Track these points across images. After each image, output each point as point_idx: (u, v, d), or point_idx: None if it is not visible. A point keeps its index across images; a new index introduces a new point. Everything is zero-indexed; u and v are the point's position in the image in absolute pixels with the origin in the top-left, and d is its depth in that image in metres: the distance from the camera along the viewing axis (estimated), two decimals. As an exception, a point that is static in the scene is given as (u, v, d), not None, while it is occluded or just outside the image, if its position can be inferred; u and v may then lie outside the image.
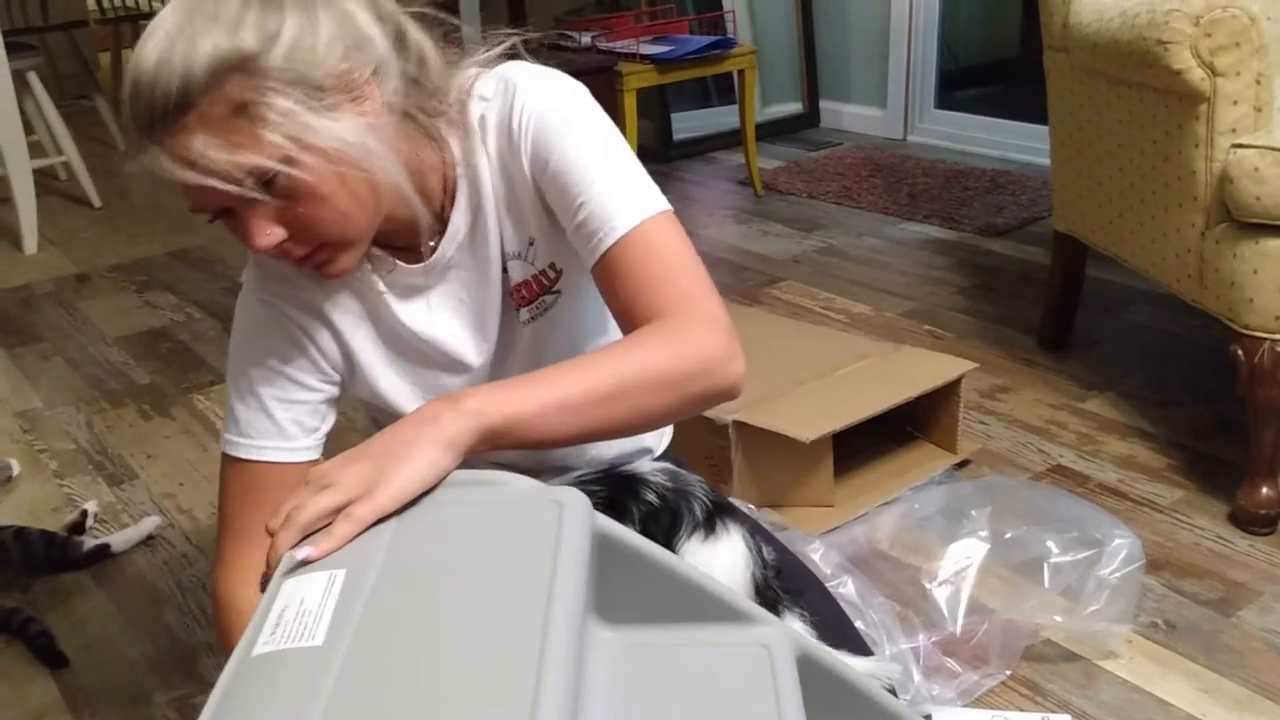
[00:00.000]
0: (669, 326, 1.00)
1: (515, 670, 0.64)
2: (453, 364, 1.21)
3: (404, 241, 1.12)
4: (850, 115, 4.28)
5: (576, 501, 0.80)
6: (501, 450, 0.91)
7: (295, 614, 0.72)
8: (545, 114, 1.08)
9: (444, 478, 0.84)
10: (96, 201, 3.85)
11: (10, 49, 3.38)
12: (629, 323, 1.04)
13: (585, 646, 0.74)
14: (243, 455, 1.13)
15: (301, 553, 0.78)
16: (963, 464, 1.95)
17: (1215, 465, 1.90)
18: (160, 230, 3.64)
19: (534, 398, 0.92)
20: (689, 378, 0.99)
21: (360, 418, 1.56)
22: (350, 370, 1.19)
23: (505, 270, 1.18)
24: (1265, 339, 1.69)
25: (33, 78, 3.71)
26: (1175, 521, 1.77)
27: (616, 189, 1.06)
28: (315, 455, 1.16)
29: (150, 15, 4.81)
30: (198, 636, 1.65)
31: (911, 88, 4.07)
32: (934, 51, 4.04)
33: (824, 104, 4.35)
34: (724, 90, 4.24)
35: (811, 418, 1.77)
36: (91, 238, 3.60)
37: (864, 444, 1.91)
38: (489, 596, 0.71)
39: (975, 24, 4.47)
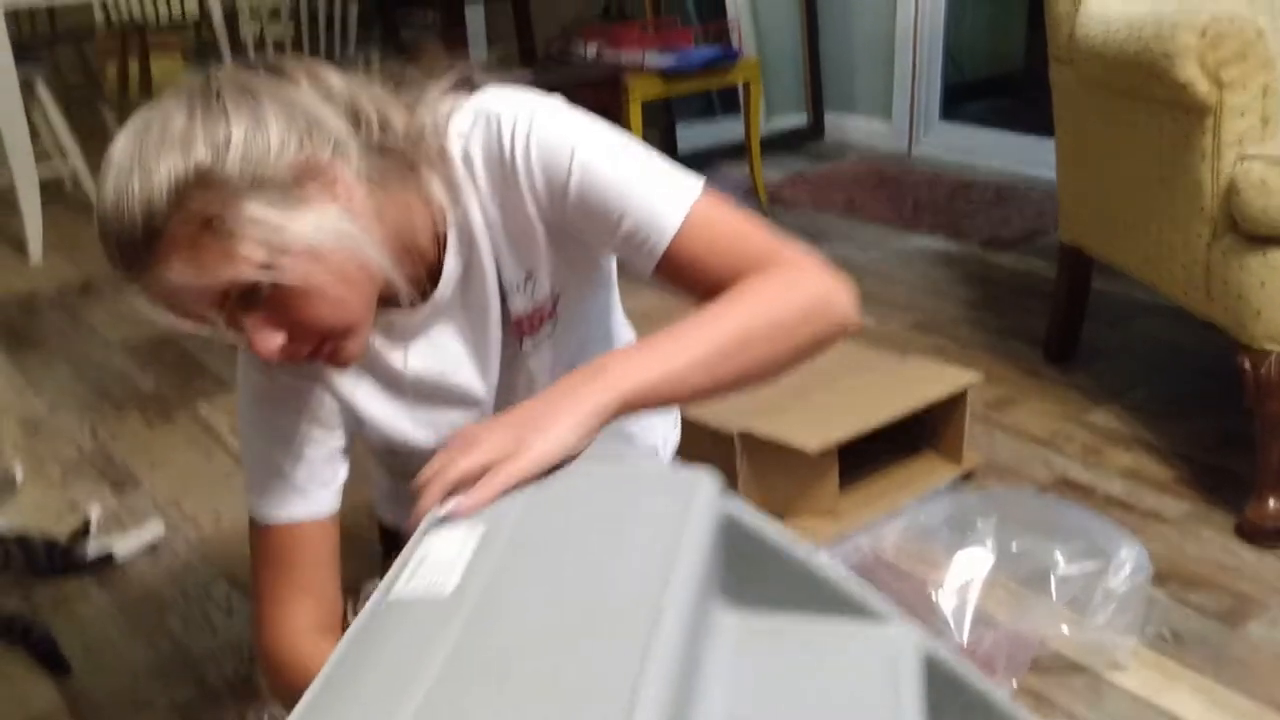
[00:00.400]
0: (769, 275, 1.02)
1: (626, 643, 0.65)
2: (462, 399, 1.20)
3: (397, 295, 1.10)
4: (855, 127, 4.29)
5: (708, 482, 0.82)
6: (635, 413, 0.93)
7: (432, 564, 0.76)
8: (544, 138, 1.05)
9: (584, 446, 0.87)
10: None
11: (18, 58, 3.38)
12: (721, 293, 1.03)
13: (706, 628, 0.78)
14: (265, 520, 1.13)
15: (447, 508, 0.81)
16: (968, 475, 1.94)
17: (1222, 478, 1.89)
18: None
19: (666, 362, 0.94)
20: (805, 317, 1.01)
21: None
22: (358, 423, 1.18)
23: (504, 303, 1.17)
24: (1272, 351, 1.69)
25: (40, 86, 3.72)
26: (1182, 534, 1.76)
27: (650, 187, 1.05)
28: (335, 507, 1.16)
29: (158, 27, 4.83)
30: (202, 643, 1.64)
31: (916, 100, 4.07)
32: (939, 64, 4.05)
33: (828, 115, 4.36)
34: (728, 102, 4.25)
35: (817, 428, 1.76)
36: (97, 246, 3.60)
37: (869, 455, 1.91)
38: (612, 568, 0.74)
39: (980, 37, 4.48)
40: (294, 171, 0.93)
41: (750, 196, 3.66)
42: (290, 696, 1.08)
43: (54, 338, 2.89)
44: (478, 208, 1.10)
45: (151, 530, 1.90)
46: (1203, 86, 1.69)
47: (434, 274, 1.11)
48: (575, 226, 1.10)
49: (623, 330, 1.40)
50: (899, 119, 4.14)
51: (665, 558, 0.74)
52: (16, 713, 1.53)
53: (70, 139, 3.80)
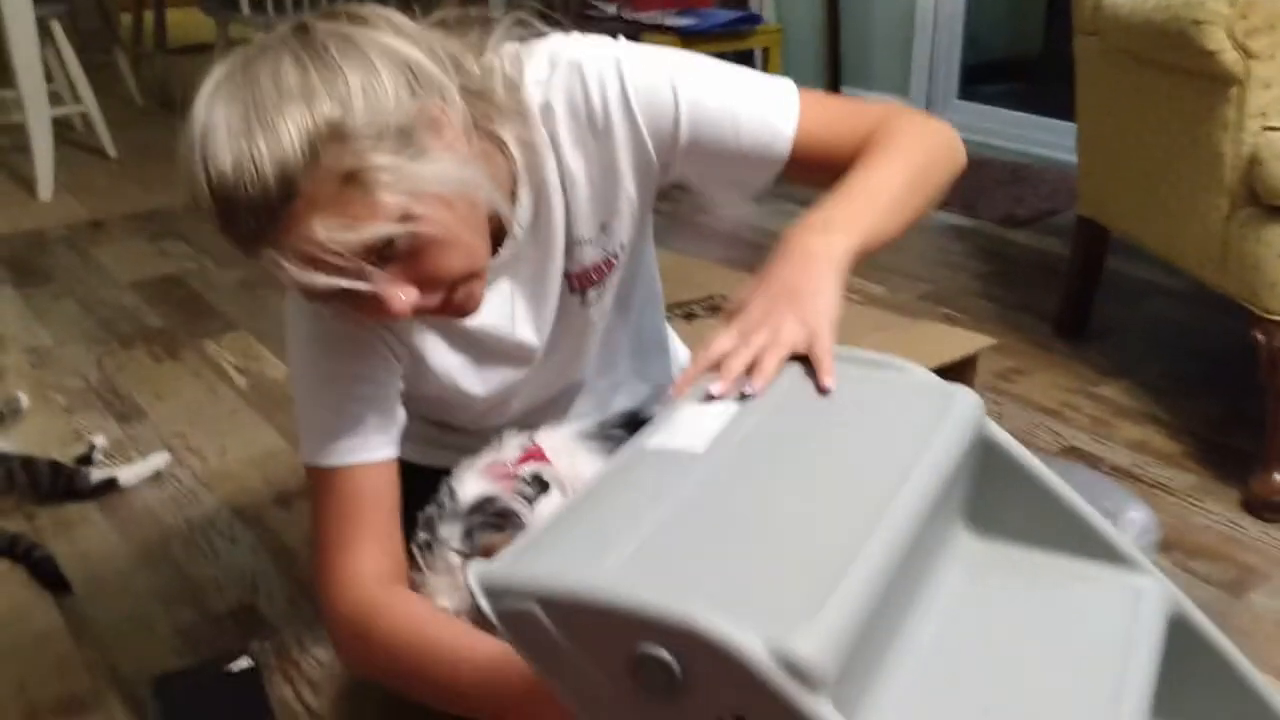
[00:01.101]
0: (896, 130, 1.07)
1: (856, 522, 0.68)
2: (516, 352, 1.20)
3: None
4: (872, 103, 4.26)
5: (968, 400, 0.84)
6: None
7: (688, 426, 0.80)
8: (641, 85, 1.07)
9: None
10: (112, 152, 3.84)
11: (36, -2, 3.37)
12: (852, 163, 1.07)
13: (942, 541, 0.82)
14: (329, 464, 1.10)
15: (747, 389, 0.84)
16: (975, 440, 1.94)
17: (1230, 453, 1.88)
18: (174, 184, 3.61)
19: (869, 211, 0.98)
20: (942, 156, 1.09)
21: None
22: (417, 371, 1.16)
23: (569, 255, 1.17)
24: (1287, 324, 1.68)
25: (55, 26, 3.70)
26: (1187, 505, 1.76)
27: (755, 100, 1.09)
28: (396, 451, 1.13)
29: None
30: (204, 570, 1.64)
31: (934, 78, 4.05)
32: (958, 44, 4.02)
33: (845, 90, 4.34)
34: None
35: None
36: (106, 187, 3.60)
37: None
38: (858, 456, 0.78)
39: (999, 18, 4.46)
40: (412, 119, 0.91)
41: (764, 166, 3.65)
42: (358, 648, 1.06)
43: (62, 274, 2.88)
44: (553, 158, 1.09)
45: (156, 460, 1.90)
46: (1230, 56, 1.68)
47: (499, 228, 1.09)
48: (685, 163, 1.11)
49: (654, 263, 1.40)
50: (916, 97, 4.12)
51: (912, 457, 0.76)
52: (16, 628, 1.53)
53: (84, 81, 3.78)
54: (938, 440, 0.78)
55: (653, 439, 0.79)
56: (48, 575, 1.62)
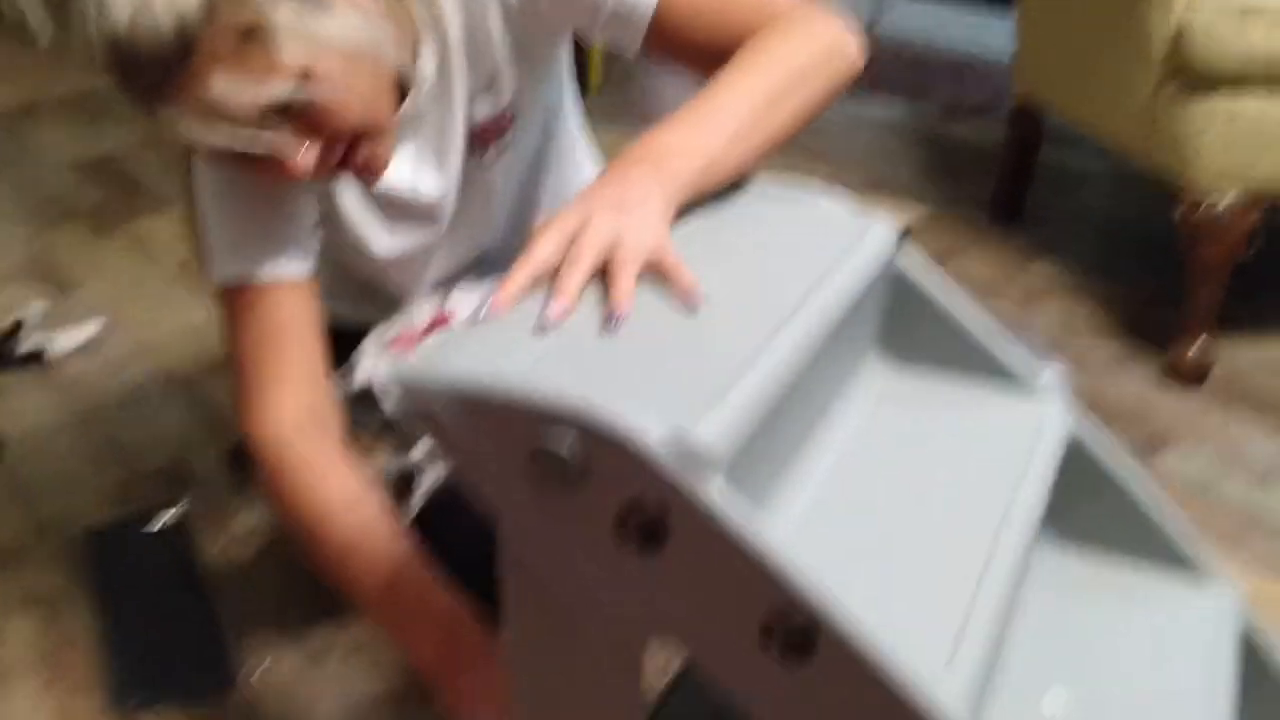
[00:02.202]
0: (774, 29, 0.95)
1: (747, 341, 0.69)
2: (425, 213, 1.19)
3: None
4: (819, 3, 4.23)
5: (883, 230, 0.84)
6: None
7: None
8: None
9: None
10: (43, 39, 3.75)
11: None
12: (721, 59, 0.95)
13: (853, 371, 0.84)
14: (243, 280, 1.06)
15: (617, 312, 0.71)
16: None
17: (1153, 327, 1.92)
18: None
19: (713, 138, 0.85)
20: (821, 65, 0.95)
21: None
22: (328, 208, 1.14)
23: (469, 112, 1.16)
24: (1207, 196, 1.71)
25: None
26: (1109, 373, 1.80)
27: None
28: (310, 272, 1.09)
29: None
30: (135, 434, 1.65)
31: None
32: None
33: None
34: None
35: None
36: (38, 72, 3.52)
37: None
38: (760, 278, 0.77)
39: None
40: None
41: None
42: (268, 491, 1.05)
43: (-4, 156, 2.84)
44: (447, 9, 1.08)
45: (89, 328, 1.90)
46: (1160, -73, 1.68)
47: (401, 87, 1.07)
48: (551, 23, 1.08)
49: (579, 136, 1.39)
50: (865, -6, 4.10)
51: (820, 279, 0.76)
52: (-54, 487, 1.54)
53: (14, -37, 3.68)
54: (847, 263, 0.80)
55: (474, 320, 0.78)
56: (-22, 436, 1.63)
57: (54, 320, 1.97)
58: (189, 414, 1.70)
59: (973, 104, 3.18)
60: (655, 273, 0.74)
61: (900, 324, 0.88)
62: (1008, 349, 0.88)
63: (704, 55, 1.00)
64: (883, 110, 3.17)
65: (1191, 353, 1.76)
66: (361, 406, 1.13)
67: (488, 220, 1.28)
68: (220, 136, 0.89)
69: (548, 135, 1.31)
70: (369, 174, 1.00)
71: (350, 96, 0.93)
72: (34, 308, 1.97)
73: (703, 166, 0.83)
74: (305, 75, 0.89)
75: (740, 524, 0.57)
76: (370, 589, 0.96)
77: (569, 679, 0.72)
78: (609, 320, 0.70)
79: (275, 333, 1.06)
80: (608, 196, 0.77)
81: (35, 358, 1.83)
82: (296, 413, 1.05)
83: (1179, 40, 1.69)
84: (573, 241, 0.74)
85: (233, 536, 1.43)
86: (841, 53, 0.96)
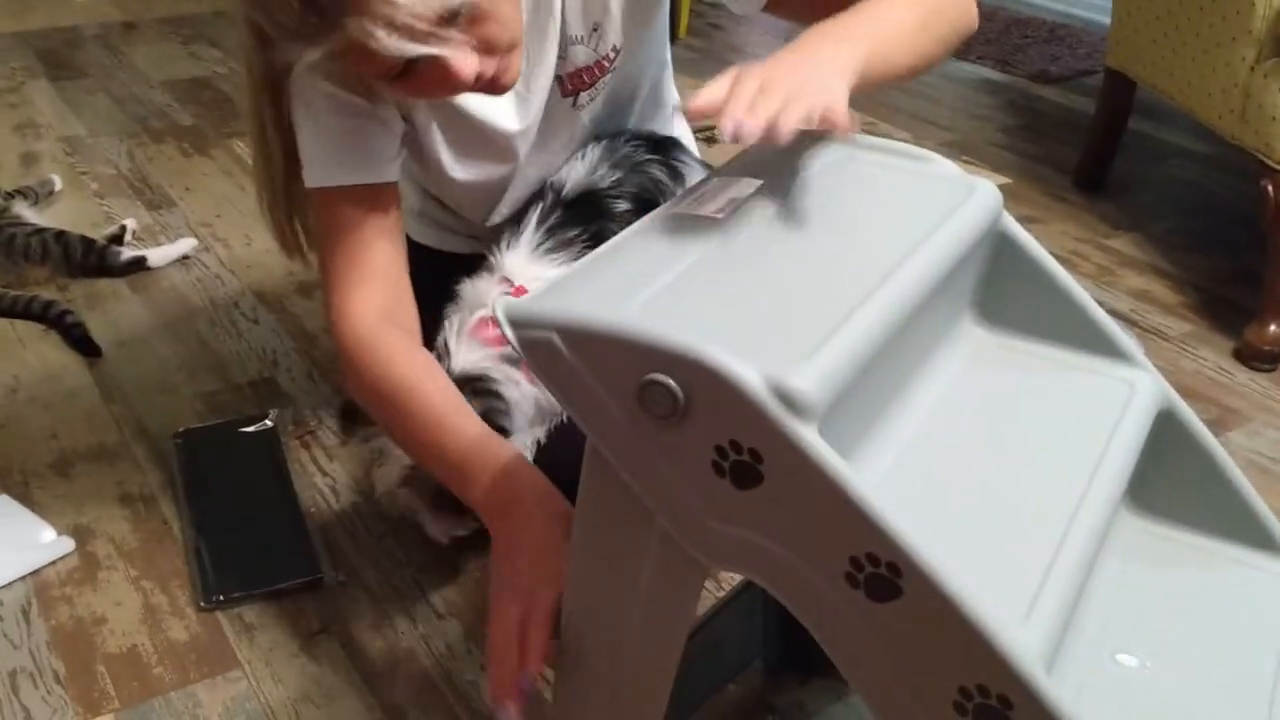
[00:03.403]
0: None
1: (850, 293, 0.72)
2: (500, 145, 1.23)
3: None
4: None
5: (989, 191, 0.86)
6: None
7: (712, 195, 0.83)
8: None
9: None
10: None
11: None
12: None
13: (950, 329, 0.87)
14: (330, 182, 1.12)
15: (747, 128, 0.78)
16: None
17: (1228, 307, 1.92)
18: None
19: (878, 35, 0.93)
20: (956, 9, 1.03)
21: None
22: (412, 136, 1.19)
23: (563, 55, 1.19)
24: (1297, 177, 1.70)
25: None
26: (1180, 351, 1.81)
27: None
28: (394, 186, 1.16)
29: None
30: (226, 346, 1.71)
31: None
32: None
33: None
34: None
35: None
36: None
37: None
38: (868, 234, 0.81)
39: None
40: None
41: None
42: (354, 381, 1.11)
43: (96, 70, 2.90)
44: None
45: (184, 244, 1.96)
46: (1273, -98, 1.66)
47: None
48: None
49: (669, 86, 1.42)
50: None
51: (923, 236, 0.79)
52: (50, 387, 1.61)
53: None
54: (951, 223, 0.82)
55: (676, 207, 0.83)
56: (79, 340, 1.70)
57: (152, 233, 2.04)
58: (279, 330, 1.76)
59: (1065, 68, 3.14)
60: (823, 122, 0.82)
61: (999, 285, 0.90)
62: (1104, 317, 0.90)
63: (830, 7, 1.03)
64: (971, 72, 3.15)
65: (1266, 336, 1.76)
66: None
67: (559, 153, 1.32)
68: (406, 45, 0.92)
69: (640, 85, 1.34)
70: (503, 85, 1.04)
71: (499, 8, 0.98)
72: (133, 219, 2.03)
73: (869, 53, 0.90)
74: None
75: (834, 467, 0.61)
76: (443, 442, 1.01)
77: (627, 594, 0.76)
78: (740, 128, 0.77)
79: (360, 238, 1.12)
80: (790, 65, 0.85)
81: (136, 266, 1.89)
82: (378, 309, 1.11)
83: (1282, 18, 1.68)
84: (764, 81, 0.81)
85: (321, 446, 1.49)
86: (968, 9, 1.04)
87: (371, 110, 1.13)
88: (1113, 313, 1.91)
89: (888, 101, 2.88)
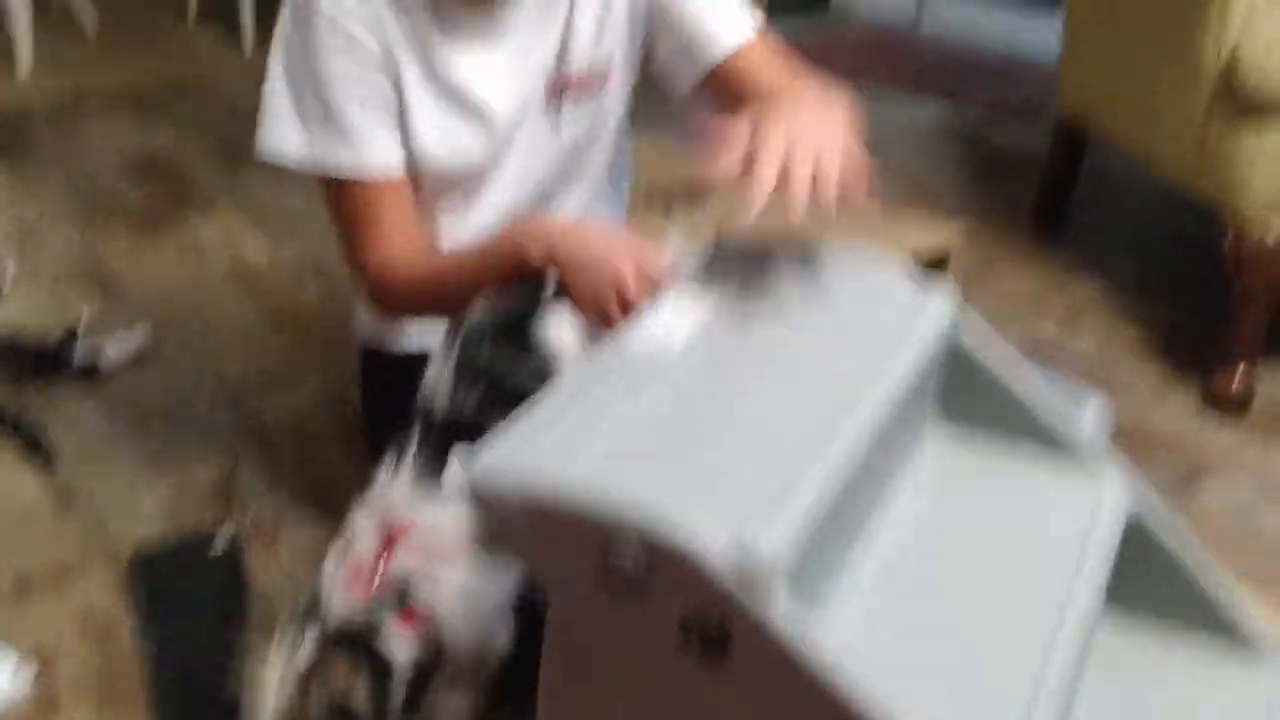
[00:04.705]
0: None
1: (821, 422, 0.72)
2: (478, 116, 1.24)
3: None
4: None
5: (944, 300, 0.88)
6: None
7: (666, 321, 0.84)
8: None
9: None
10: (91, 31, 3.78)
11: None
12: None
13: (914, 440, 0.86)
14: (362, 172, 1.20)
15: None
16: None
17: (1195, 350, 1.92)
18: (155, 60, 3.59)
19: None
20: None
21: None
22: (396, 95, 1.22)
23: (561, 56, 1.23)
24: (1255, 224, 1.71)
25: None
26: (1150, 399, 1.81)
27: (731, 4, 1.24)
28: (398, 155, 1.23)
29: None
30: (186, 446, 1.68)
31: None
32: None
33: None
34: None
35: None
36: (87, 65, 3.55)
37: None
38: (827, 360, 0.81)
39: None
40: None
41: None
42: (385, 298, 1.27)
43: (46, 150, 2.86)
44: None
45: (139, 335, 1.93)
46: (1214, -47, 1.67)
47: None
48: (647, 18, 1.22)
49: (626, 140, 1.44)
50: (908, -14, 4.06)
51: (883, 359, 0.79)
52: (4, 500, 1.57)
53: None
54: (910, 342, 0.81)
55: (632, 335, 0.82)
56: (34, 446, 1.66)
57: (103, 325, 2.00)
58: (238, 426, 1.73)
59: (1016, 105, 3.16)
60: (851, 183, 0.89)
61: (959, 394, 0.90)
62: (1068, 420, 0.89)
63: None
64: (925, 111, 3.16)
65: (1233, 382, 1.76)
66: None
67: (532, 171, 1.32)
68: None
69: (610, 119, 1.35)
70: None
71: None
72: (86, 310, 2.00)
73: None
74: None
75: (803, 641, 0.59)
76: (480, 280, 1.11)
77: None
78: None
79: (384, 212, 1.22)
80: (811, 112, 0.96)
81: (91, 371, 1.85)
82: (395, 249, 1.23)
83: (1231, 67, 1.69)
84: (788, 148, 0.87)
85: (283, 550, 1.46)
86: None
87: (371, 59, 1.18)
88: (1077, 357, 1.91)
89: (844, 148, 2.87)
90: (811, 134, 0.89)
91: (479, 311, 1.07)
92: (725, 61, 1.21)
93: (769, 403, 0.75)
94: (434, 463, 1.13)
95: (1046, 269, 2.22)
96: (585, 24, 1.24)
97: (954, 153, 2.87)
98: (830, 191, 0.85)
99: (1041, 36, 3.61)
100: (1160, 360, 1.91)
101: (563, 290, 1.05)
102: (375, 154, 1.20)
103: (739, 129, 0.89)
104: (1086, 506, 0.86)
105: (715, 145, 0.88)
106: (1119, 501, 0.86)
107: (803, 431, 0.70)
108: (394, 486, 1.13)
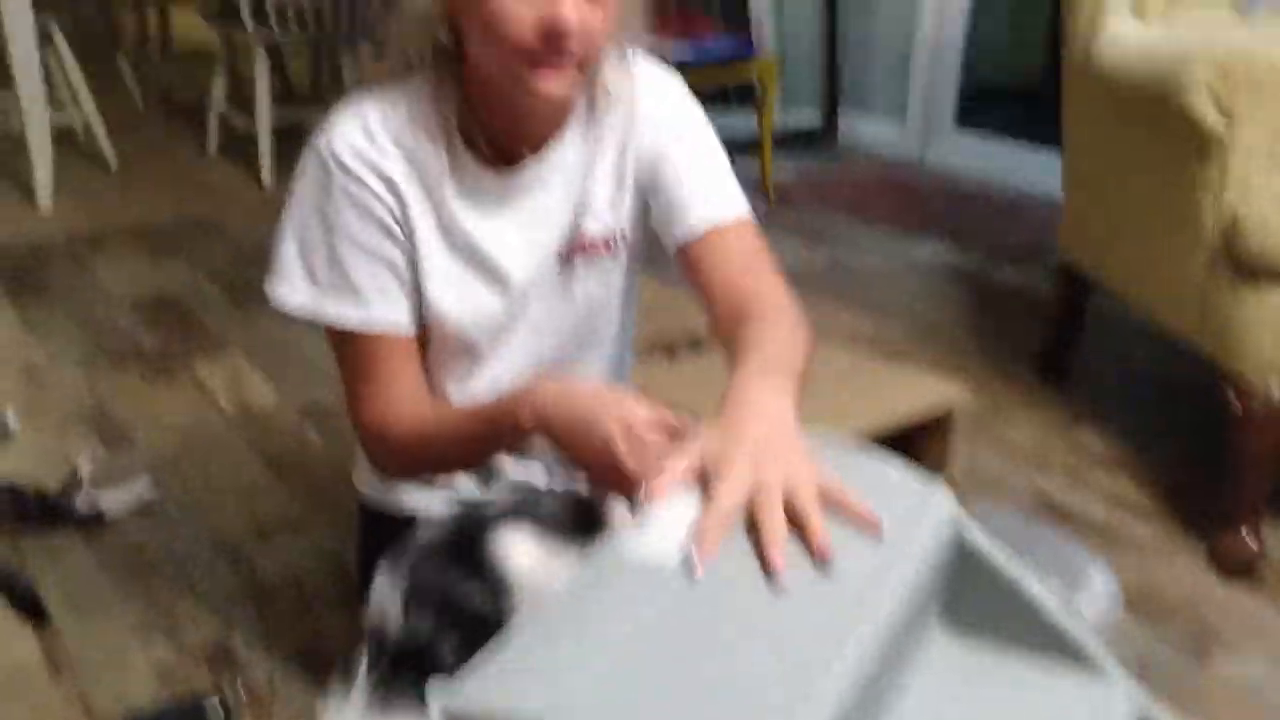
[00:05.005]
0: (792, 319, 1.16)
1: (824, 644, 0.70)
2: (496, 277, 1.25)
3: (505, 136, 1.21)
4: (868, 130, 4.28)
5: (944, 501, 0.86)
6: None
7: (663, 530, 0.82)
8: (696, 112, 1.28)
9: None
10: (113, 164, 3.86)
11: (37, 6, 3.37)
12: (731, 297, 1.19)
13: (915, 642, 0.83)
14: (370, 328, 1.21)
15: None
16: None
17: (1201, 508, 1.90)
18: (174, 195, 3.66)
19: (789, 362, 1.05)
20: (806, 359, 1.11)
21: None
22: (408, 255, 1.23)
23: (577, 221, 1.25)
24: (1257, 387, 1.70)
25: (57, 34, 3.71)
26: (1157, 560, 1.78)
27: (722, 179, 1.26)
28: (405, 315, 1.24)
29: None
30: (182, 605, 1.66)
31: (932, 105, 4.07)
32: (956, 71, 4.04)
33: (843, 116, 4.34)
34: (744, 93, 4.24)
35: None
36: (107, 197, 3.62)
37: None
38: (825, 573, 0.78)
39: (1001, 46, 4.47)
40: None
41: (758, 193, 3.67)
42: (384, 458, 1.28)
43: (59, 287, 2.90)
44: (610, 125, 1.24)
45: (141, 487, 1.92)
46: (1213, 120, 1.69)
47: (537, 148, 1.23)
48: (647, 177, 1.25)
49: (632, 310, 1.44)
50: (913, 124, 4.14)
51: (885, 566, 0.77)
52: (-5, 660, 1.56)
53: (85, 89, 3.80)
54: (913, 547, 0.80)
55: (627, 546, 0.80)
56: (28, 606, 1.64)
57: (105, 474, 2.00)
58: (236, 584, 1.71)
59: (1020, 244, 3.18)
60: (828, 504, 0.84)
61: (963, 595, 0.88)
62: (1075, 624, 0.87)
63: (719, 292, 1.20)
64: (928, 252, 3.19)
65: (1238, 544, 1.74)
66: None
67: (546, 330, 1.32)
68: None
69: (621, 279, 1.35)
70: (544, 84, 1.10)
71: (609, 11, 1.10)
72: (89, 460, 2.00)
73: (796, 387, 1.02)
74: None
75: None
76: (474, 426, 1.16)
77: None
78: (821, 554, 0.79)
79: (388, 368, 1.24)
80: (758, 432, 0.90)
81: (92, 520, 1.85)
82: (396, 406, 1.23)
83: (1232, 230, 1.70)
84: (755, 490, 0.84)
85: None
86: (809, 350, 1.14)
87: (383, 214, 1.20)
88: (1083, 517, 1.89)
89: (844, 291, 2.90)
90: (769, 469, 0.85)
91: (427, 528, 1.04)
92: (692, 243, 1.22)
93: (770, 617, 0.73)
94: (385, 688, 1.09)
95: (1050, 418, 2.21)
96: (602, 190, 1.25)
97: (958, 295, 2.89)
98: (820, 539, 0.80)
99: (1049, 173, 3.67)
100: (1167, 518, 1.89)
101: (561, 455, 1.06)
102: (382, 309, 1.21)
103: (694, 436, 0.90)
104: (1096, 714, 0.83)
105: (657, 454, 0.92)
106: (1128, 709, 0.84)
107: (804, 656, 0.69)
108: (345, 714, 1.08)
